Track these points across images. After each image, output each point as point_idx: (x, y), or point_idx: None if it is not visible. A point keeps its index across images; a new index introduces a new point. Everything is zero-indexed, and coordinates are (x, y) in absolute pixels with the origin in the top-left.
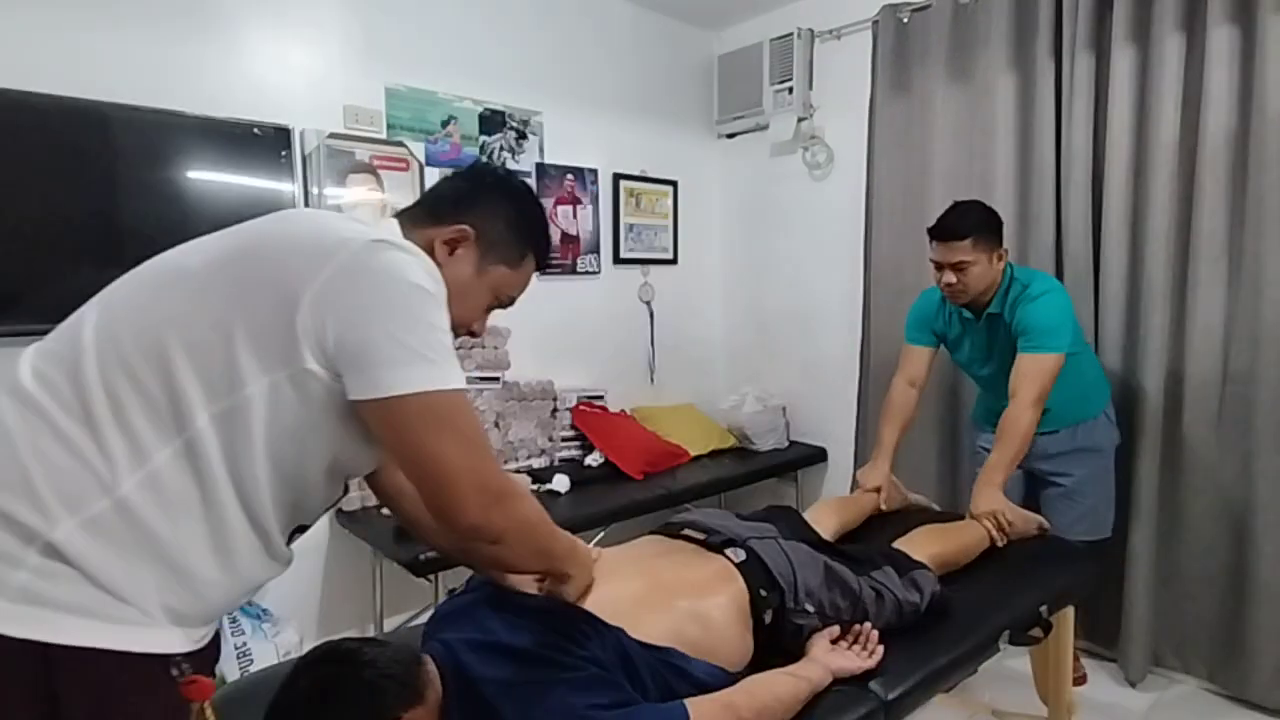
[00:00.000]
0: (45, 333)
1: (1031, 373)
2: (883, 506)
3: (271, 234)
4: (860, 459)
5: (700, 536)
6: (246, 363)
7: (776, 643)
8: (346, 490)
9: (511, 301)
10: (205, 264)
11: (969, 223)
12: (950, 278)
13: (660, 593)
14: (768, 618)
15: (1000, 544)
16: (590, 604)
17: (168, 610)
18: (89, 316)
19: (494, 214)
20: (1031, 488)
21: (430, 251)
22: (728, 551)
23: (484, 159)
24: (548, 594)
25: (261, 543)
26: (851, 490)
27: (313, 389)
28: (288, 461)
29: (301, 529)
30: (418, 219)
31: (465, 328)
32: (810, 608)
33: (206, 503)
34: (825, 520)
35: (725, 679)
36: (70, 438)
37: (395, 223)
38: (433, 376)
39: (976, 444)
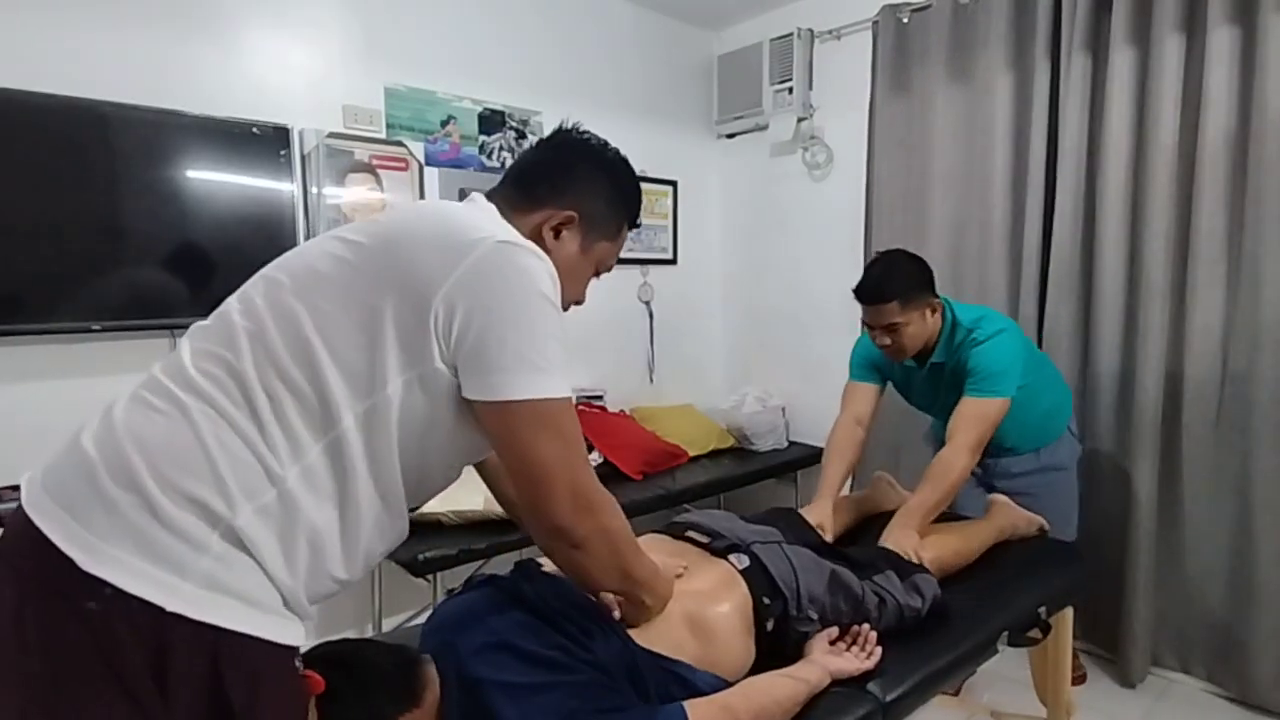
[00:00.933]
0: (46, 332)
1: (973, 416)
2: (828, 539)
3: (403, 233)
4: (860, 459)
5: (704, 540)
6: (387, 363)
7: (778, 649)
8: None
9: (610, 269)
10: (340, 267)
11: (896, 284)
12: (884, 340)
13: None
14: (770, 625)
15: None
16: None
17: (297, 601)
18: (236, 320)
19: (594, 192)
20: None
21: (537, 236)
22: (731, 557)
23: (566, 127)
24: (621, 618)
25: (379, 530)
26: (854, 488)
27: (439, 386)
28: (413, 454)
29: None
30: (515, 202)
31: (574, 301)
32: (814, 615)
33: (344, 494)
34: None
35: (725, 688)
36: (244, 431)
37: (494, 208)
38: (544, 385)
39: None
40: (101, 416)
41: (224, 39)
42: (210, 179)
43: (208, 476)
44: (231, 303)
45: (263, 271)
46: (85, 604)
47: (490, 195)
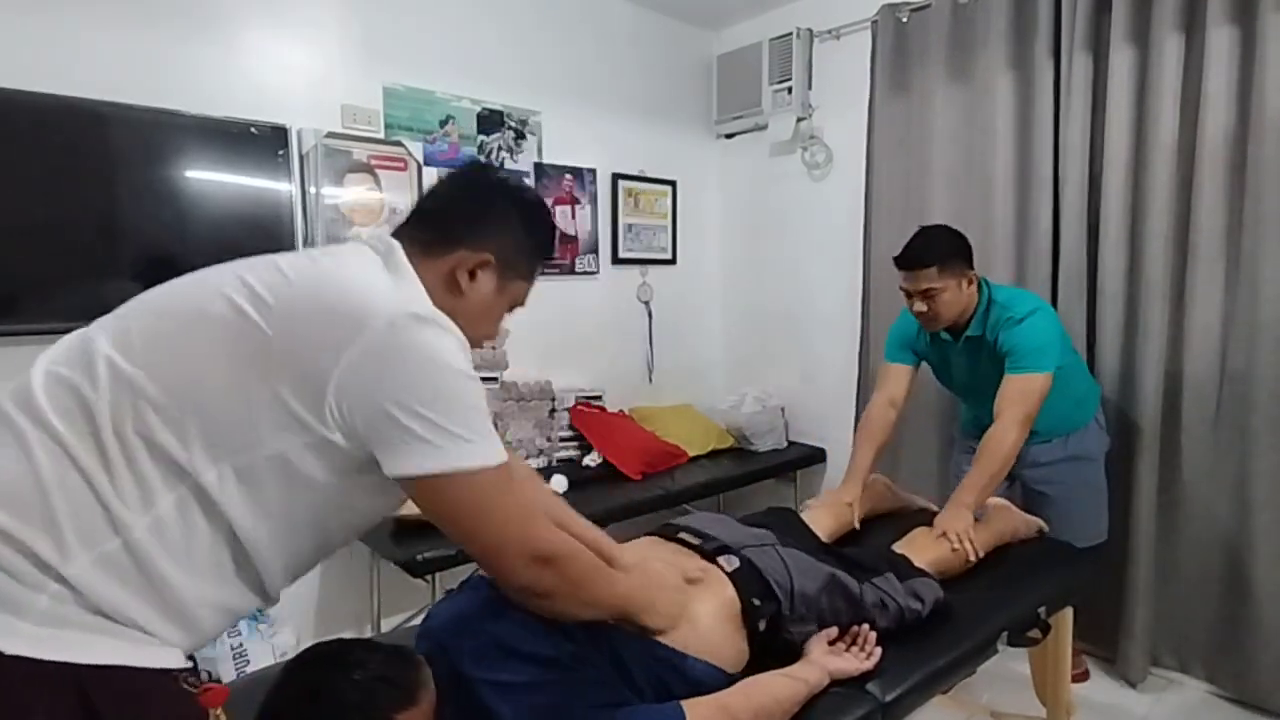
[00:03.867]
0: (43, 333)
1: (1019, 393)
2: (855, 524)
3: (297, 295)
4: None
5: (695, 542)
6: (267, 424)
7: (774, 650)
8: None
9: (523, 305)
10: (238, 321)
11: (935, 251)
12: (921, 305)
13: None
14: (762, 626)
15: (961, 562)
16: None
17: (165, 637)
18: (101, 347)
19: (509, 233)
20: (1020, 495)
21: (451, 278)
22: (720, 560)
23: (481, 159)
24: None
25: (254, 590)
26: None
27: (333, 456)
28: (300, 518)
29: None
30: (428, 245)
31: (486, 338)
32: (808, 614)
33: (208, 548)
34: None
35: (723, 680)
36: (89, 473)
37: (399, 255)
38: (473, 454)
39: (961, 466)
40: None
41: (222, 39)
42: (208, 179)
43: (40, 521)
44: (104, 326)
45: (143, 298)
46: None
47: (398, 234)
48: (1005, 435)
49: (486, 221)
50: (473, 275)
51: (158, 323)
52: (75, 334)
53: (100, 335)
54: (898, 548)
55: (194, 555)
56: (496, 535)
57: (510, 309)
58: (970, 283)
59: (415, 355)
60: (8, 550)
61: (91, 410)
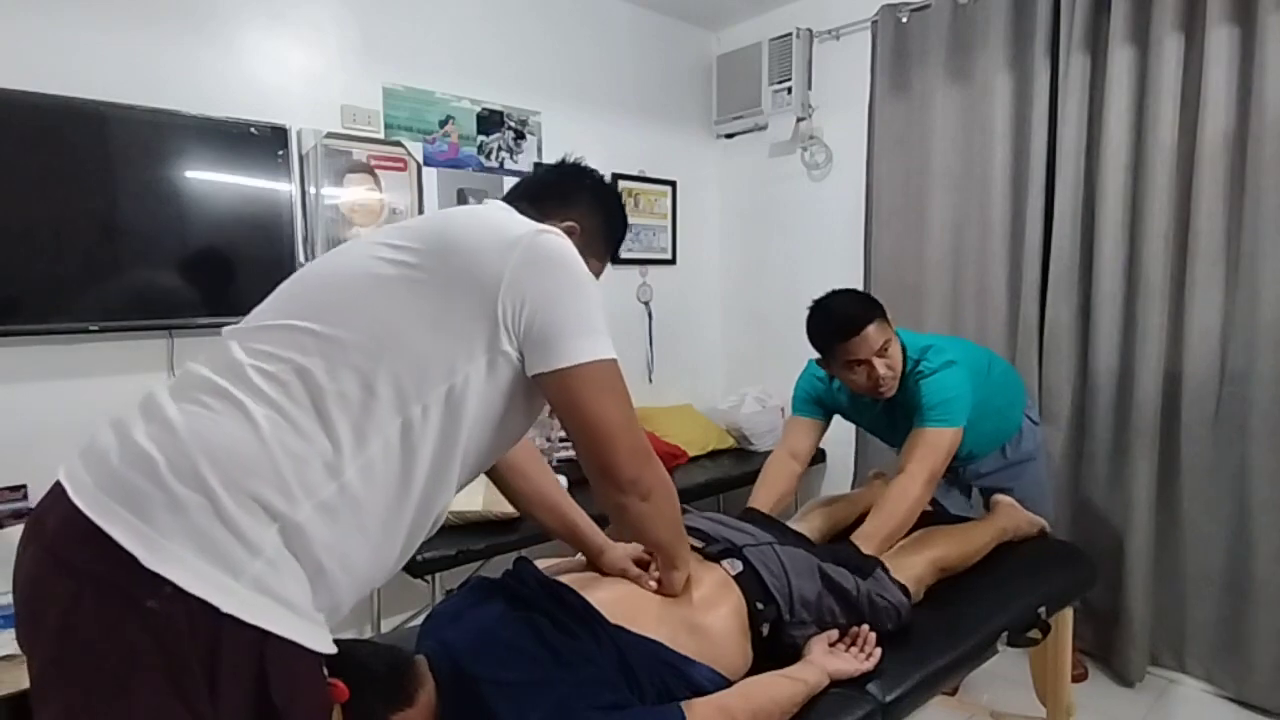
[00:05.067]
0: (43, 333)
1: (928, 447)
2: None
3: (452, 237)
4: (859, 460)
5: (698, 544)
6: (458, 351)
7: (774, 653)
8: None
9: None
10: (400, 270)
11: (865, 305)
12: (881, 368)
13: (661, 599)
14: (765, 630)
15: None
16: (593, 603)
17: (337, 602)
18: (297, 323)
19: (594, 213)
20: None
21: None
22: (724, 563)
23: (566, 157)
24: (659, 583)
25: (403, 549)
26: (854, 485)
27: (501, 370)
28: (474, 440)
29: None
30: (525, 210)
31: None
32: (808, 617)
33: (404, 481)
34: (815, 521)
35: (725, 686)
36: (307, 432)
37: (510, 208)
38: (601, 348)
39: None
40: (149, 416)
41: (222, 39)
42: (208, 179)
43: (271, 477)
44: (278, 303)
45: (303, 275)
46: (145, 602)
47: (505, 198)
48: (909, 491)
49: (576, 199)
50: None
51: (336, 294)
52: (255, 313)
53: (286, 311)
54: (899, 547)
55: (390, 493)
56: (614, 424)
57: None
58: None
59: (557, 258)
60: (240, 510)
61: (306, 374)
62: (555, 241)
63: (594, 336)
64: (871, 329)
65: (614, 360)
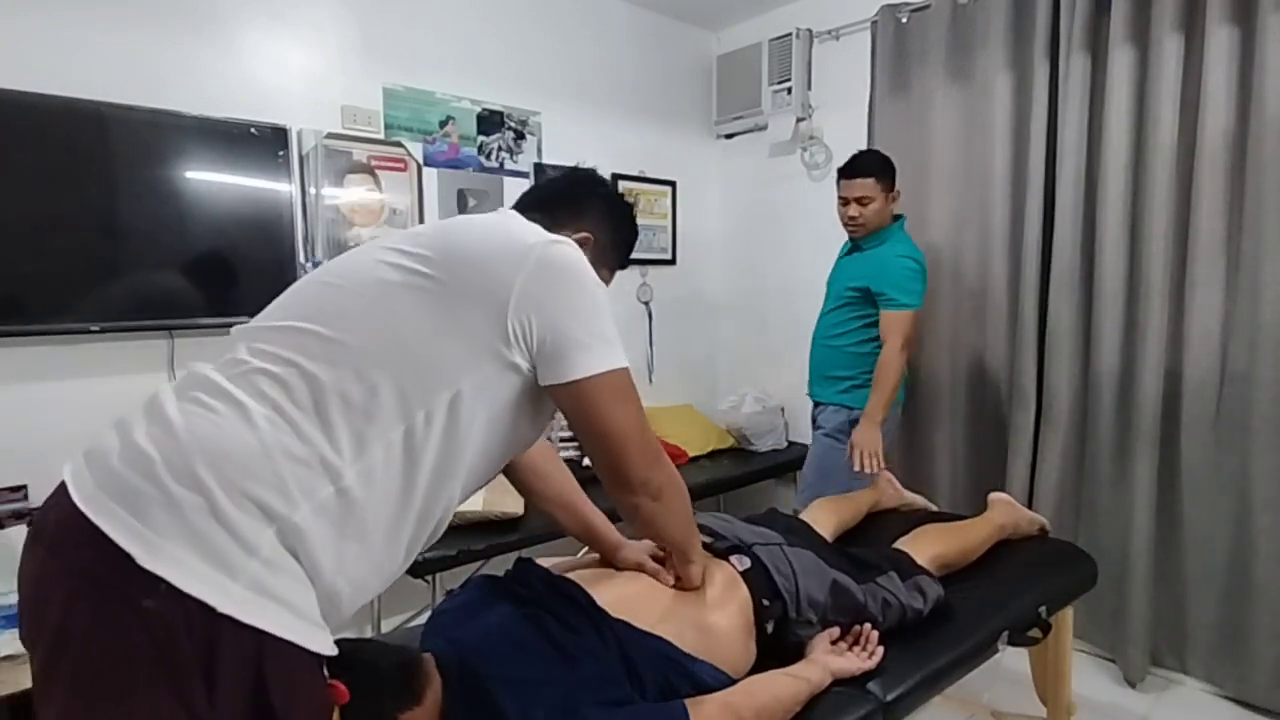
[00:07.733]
0: (44, 333)
1: (895, 323)
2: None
3: (463, 245)
4: None
5: (707, 540)
6: (464, 359)
7: (778, 651)
8: None
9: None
10: (411, 278)
11: (874, 164)
12: (854, 211)
13: (667, 596)
14: (770, 628)
15: (869, 471)
16: (598, 600)
17: (337, 604)
18: (304, 325)
19: (606, 223)
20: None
21: None
22: (732, 559)
23: (579, 164)
24: (676, 578)
25: (405, 554)
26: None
27: (509, 379)
28: (478, 447)
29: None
30: (535, 217)
31: None
32: (813, 618)
33: (405, 487)
34: (823, 520)
35: (728, 683)
36: (307, 435)
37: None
38: (617, 356)
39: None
40: (151, 416)
41: (222, 39)
42: (208, 180)
43: (268, 478)
44: (286, 304)
45: (312, 278)
46: (141, 601)
47: (515, 206)
48: (890, 359)
49: (589, 209)
50: None
51: (344, 298)
52: (261, 317)
53: (294, 314)
54: (899, 545)
55: (384, 507)
56: (626, 430)
57: None
58: (893, 200)
59: (570, 270)
60: (238, 510)
61: (311, 379)
62: (567, 252)
63: (606, 347)
64: (867, 181)
65: (625, 369)
